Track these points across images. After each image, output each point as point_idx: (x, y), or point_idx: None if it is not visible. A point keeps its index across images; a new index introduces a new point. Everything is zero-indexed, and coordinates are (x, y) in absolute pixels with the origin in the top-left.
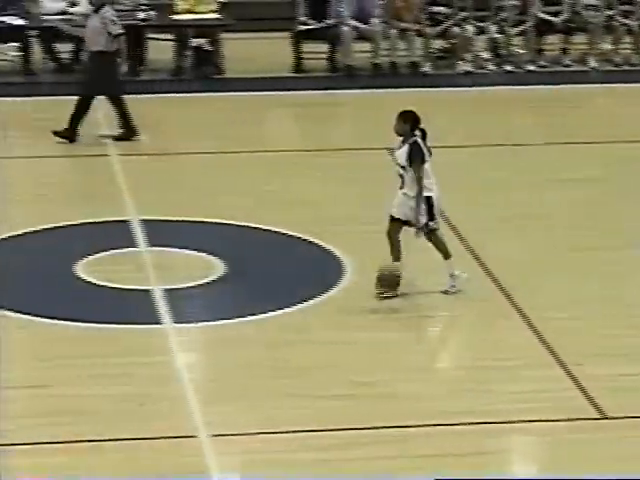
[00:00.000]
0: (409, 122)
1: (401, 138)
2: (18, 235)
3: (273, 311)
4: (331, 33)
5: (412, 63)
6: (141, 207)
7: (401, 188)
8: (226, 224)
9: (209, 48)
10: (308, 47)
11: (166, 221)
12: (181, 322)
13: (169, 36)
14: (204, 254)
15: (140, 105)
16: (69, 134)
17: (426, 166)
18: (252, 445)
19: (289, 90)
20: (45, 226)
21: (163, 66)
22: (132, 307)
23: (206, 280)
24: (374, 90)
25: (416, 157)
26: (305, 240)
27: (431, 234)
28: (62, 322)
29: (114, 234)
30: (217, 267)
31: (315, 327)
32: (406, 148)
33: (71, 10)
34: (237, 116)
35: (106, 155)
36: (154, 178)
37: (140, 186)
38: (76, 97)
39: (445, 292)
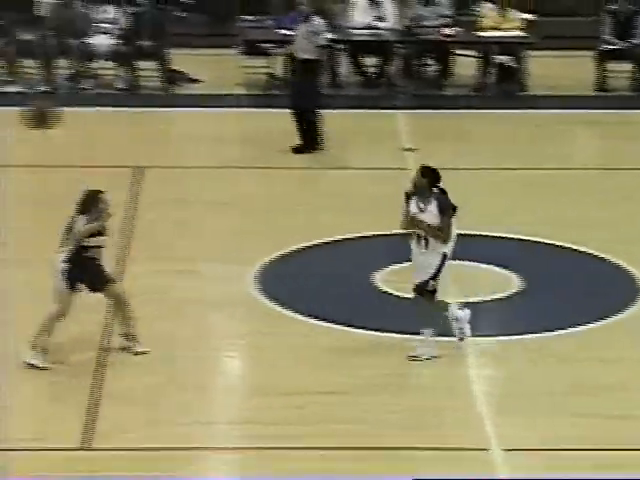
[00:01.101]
0: (427, 177)
1: (415, 198)
2: (321, 244)
3: (566, 329)
4: (636, 53)
5: None
6: None
7: (426, 248)
8: (522, 240)
9: (513, 65)
10: (612, 66)
11: (463, 235)
12: (478, 335)
13: (474, 52)
14: (501, 269)
15: (443, 120)
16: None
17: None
18: (540, 461)
19: (592, 109)
20: (346, 236)
21: (466, 82)
22: None
23: (503, 294)
24: None
25: (447, 206)
26: (601, 258)
27: (427, 294)
28: (359, 330)
29: None
30: (514, 282)
31: (613, 346)
32: (435, 205)
33: (379, 25)
34: (538, 134)
35: (406, 169)
36: None
37: None
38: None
39: (460, 339)
